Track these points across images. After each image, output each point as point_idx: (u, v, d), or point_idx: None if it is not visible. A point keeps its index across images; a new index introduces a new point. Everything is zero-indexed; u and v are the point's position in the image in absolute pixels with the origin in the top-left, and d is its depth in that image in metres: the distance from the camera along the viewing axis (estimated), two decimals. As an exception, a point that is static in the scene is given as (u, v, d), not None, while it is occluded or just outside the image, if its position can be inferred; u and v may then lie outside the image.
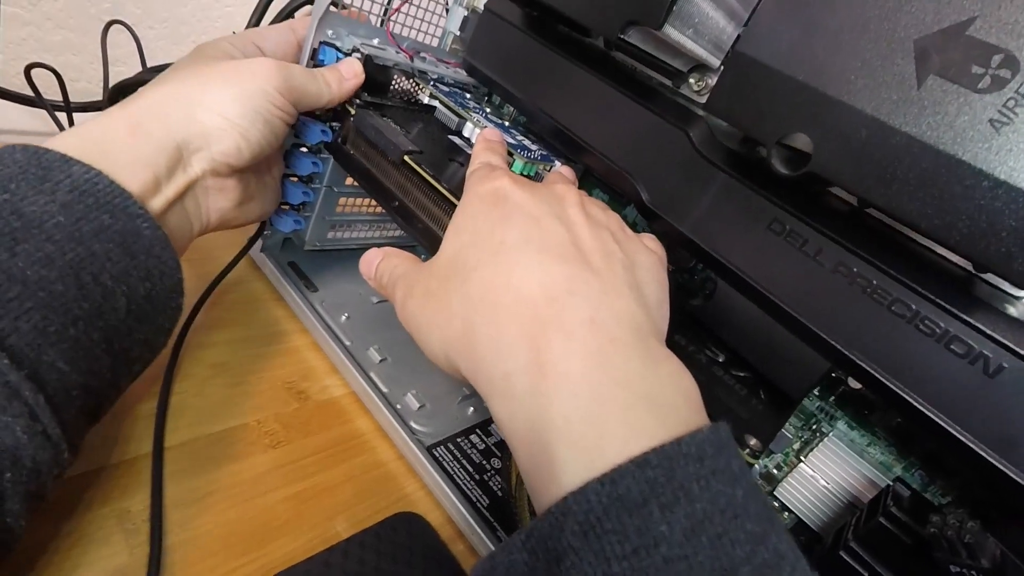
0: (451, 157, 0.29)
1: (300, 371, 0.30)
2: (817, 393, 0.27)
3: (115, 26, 0.37)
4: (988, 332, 0.17)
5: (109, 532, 0.20)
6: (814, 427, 0.27)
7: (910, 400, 0.18)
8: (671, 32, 0.21)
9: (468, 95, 0.35)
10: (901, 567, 0.21)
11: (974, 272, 0.20)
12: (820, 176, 0.18)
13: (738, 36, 0.23)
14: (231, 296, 0.32)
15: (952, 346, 0.17)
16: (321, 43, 0.29)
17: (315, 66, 0.29)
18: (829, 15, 0.17)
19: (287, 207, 0.33)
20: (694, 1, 0.21)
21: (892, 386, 0.19)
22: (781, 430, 0.27)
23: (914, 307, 0.18)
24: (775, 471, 0.28)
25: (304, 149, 0.32)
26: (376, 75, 0.31)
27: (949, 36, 0.16)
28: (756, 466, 0.26)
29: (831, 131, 0.17)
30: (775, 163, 0.19)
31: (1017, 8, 0.15)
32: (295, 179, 0.32)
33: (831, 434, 0.26)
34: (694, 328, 0.25)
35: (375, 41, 0.31)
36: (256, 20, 0.36)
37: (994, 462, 0.17)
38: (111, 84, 0.36)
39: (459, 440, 0.30)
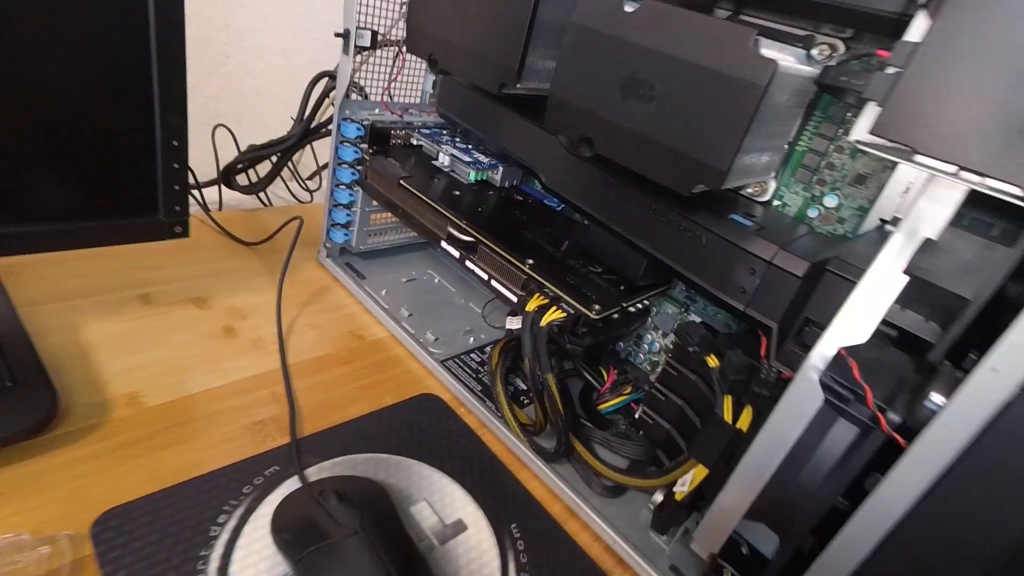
0: (432, 176, 0.46)
1: (358, 324, 0.47)
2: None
3: (219, 128, 0.56)
4: (696, 220, 0.31)
5: (266, 400, 0.37)
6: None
7: (678, 269, 0.32)
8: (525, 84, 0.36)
9: (443, 132, 0.52)
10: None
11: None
12: (602, 155, 0.33)
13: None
14: (311, 287, 0.50)
15: (687, 232, 0.32)
16: (342, 120, 0.47)
17: (341, 138, 0.47)
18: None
19: (338, 226, 0.51)
20: (534, 64, 0.36)
21: (668, 262, 0.33)
22: (665, 313, 0.41)
23: (671, 217, 0.32)
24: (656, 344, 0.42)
25: (342, 186, 0.50)
26: (380, 134, 0.48)
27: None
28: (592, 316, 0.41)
29: (600, 132, 0.32)
30: (584, 151, 0.33)
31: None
32: (340, 206, 0.50)
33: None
34: (581, 256, 0.40)
35: (376, 111, 0.49)
36: (304, 105, 0.55)
37: (714, 291, 0.31)
38: (221, 167, 0.55)
39: (462, 356, 0.46)
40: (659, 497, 0.35)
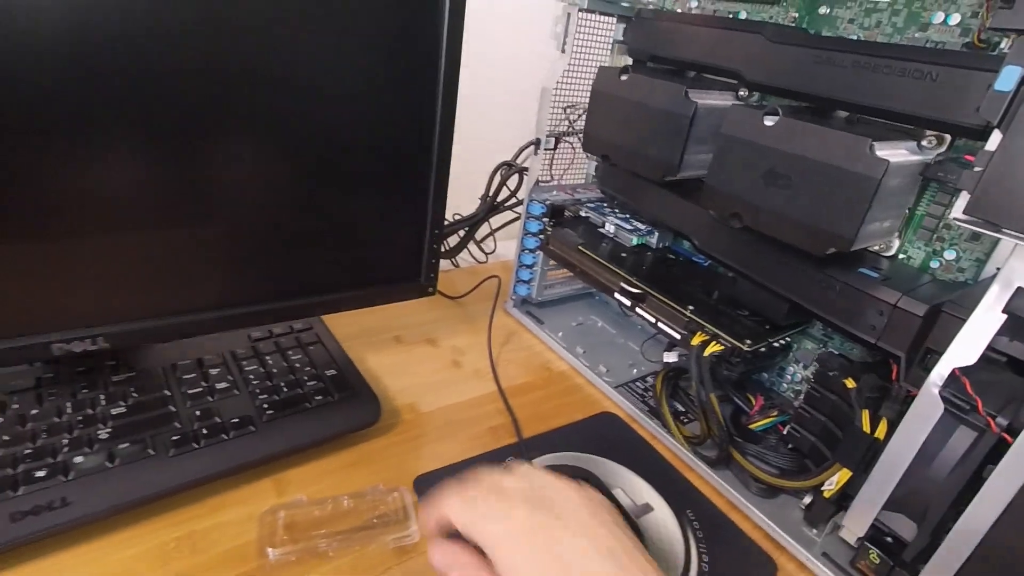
0: (600, 241, 0.59)
1: (545, 359, 0.60)
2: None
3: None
4: (830, 274, 0.40)
5: (493, 413, 0.51)
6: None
7: (817, 313, 0.42)
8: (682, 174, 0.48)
9: (604, 204, 0.65)
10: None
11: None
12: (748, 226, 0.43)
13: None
14: (504, 331, 0.64)
15: (822, 284, 0.41)
16: (530, 201, 0.62)
17: (528, 215, 0.62)
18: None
19: (522, 282, 0.66)
20: (687, 159, 0.48)
21: (807, 307, 0.42)
22: (804, 348, 0.50)
23: (809, 272, 0.42)
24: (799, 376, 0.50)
25: (527, 251, 0.64)
26: (558, 210, 0.62)
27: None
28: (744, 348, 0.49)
29: (747, 209, 0.43)
30: (735, 223, 0.44)
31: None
32: (524, 267, 0.65)
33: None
34: (730, 303, 0.50)
35: (554, 193, 0.63)
36: (488, 188, 0.71)
37: (848, 329, 0.40)
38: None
39: (628, 384, 0.57)
40: (808, 498, 0.43)
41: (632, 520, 0.39)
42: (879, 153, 0.35)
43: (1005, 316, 0.31)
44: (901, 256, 0.44)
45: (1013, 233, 0.30)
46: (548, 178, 0.65)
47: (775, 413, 0.50)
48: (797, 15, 0.48)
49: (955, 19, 0.39)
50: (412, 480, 0.42)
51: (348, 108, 0.43)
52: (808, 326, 0.50)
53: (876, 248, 0.44)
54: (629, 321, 0.68)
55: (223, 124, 0.38)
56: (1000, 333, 0.32)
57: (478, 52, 0.88)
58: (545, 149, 0.60)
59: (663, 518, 0.42)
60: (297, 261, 0.46)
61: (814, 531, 0.42)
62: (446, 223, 0.76)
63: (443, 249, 0.77)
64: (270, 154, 0.41)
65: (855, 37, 0.45)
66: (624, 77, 0.51)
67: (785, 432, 0.47)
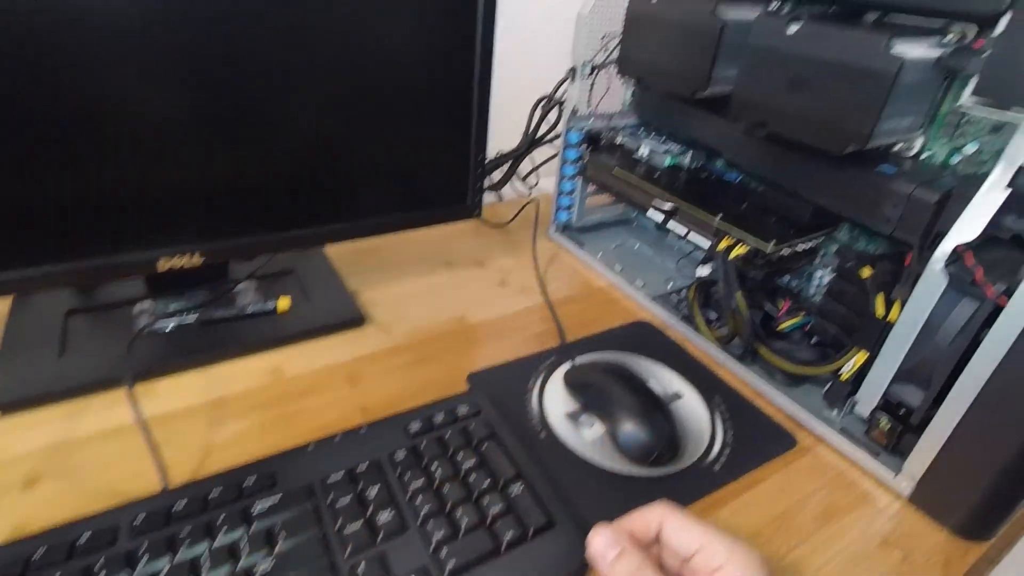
0: (635, 164, 0.62)
1: (586, 277, 0.65)
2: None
3: (471, 147, 0.78)
4: (850, 173, 0.43)
5: (538, 322, 0.56)
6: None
7: (836, 210, 0.44)
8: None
9: (641, 129, 0.68)
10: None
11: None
12: (774, 133, 0.46)
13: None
14: (548, 253, 0.69)
15: (842, 182, 0.43)
16: (568, 130, 0.65)
17: (566, 143, 0.65)
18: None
19: (563, 208, 0.70)
20: (716, 74, 0.50)
21: (828, 205, 0.45)
22: (831, 254, 0.53)
23: (830, 172, 0.44)
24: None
25: (566, 178, 0.68)
26: (595, 137, 0.66)
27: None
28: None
29: (773, 115, 0.45)
30: (760, 132, 0.47)
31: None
32: (564, 194, 0.69)
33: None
34: (758, 211, 0.53)
35: (591, 120, 0.66)
36: (529, 123, 0.74)
37: (864, 222, 0.42)
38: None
39: (664, 296, 0.61)
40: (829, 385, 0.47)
41: (663, 403, 0.44)
42: (896, 50, 0.37)
43: (1009, 191, 0.33)
44: (926, 154, 0.46)
45: (1018, 111, 0.32)
46: (586, 107, 0.68)
47: (802, 314, 0.54)
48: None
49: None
50: (466, 376, 0.48)
51: (398, 48, 0.48)
52: (834, 230, 0.53)
53: (899, 147, 0.46)
54: (665, 243, 0.72)
55: (289, 64, 0.44)
56: (1007, 212, 0.34)
57: None
58: (582, 78, 0.63)
59: (692, 403, 0.47)
60: (358, 185, 0.52)
61: (834, 412, 0.47)
62: (489, 159, 0.81)
63: (488, 183, 0.82)
64: (329, 92, 0.47)
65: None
66: (655, -1, 0.53)
67: (808, 328, 0.50)
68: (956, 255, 0.35)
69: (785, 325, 0.54)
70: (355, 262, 0.63)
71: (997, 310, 0.34)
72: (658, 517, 0.30)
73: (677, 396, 0.48)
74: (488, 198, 0.87)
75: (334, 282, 0.59)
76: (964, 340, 0.36)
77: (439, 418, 0.39)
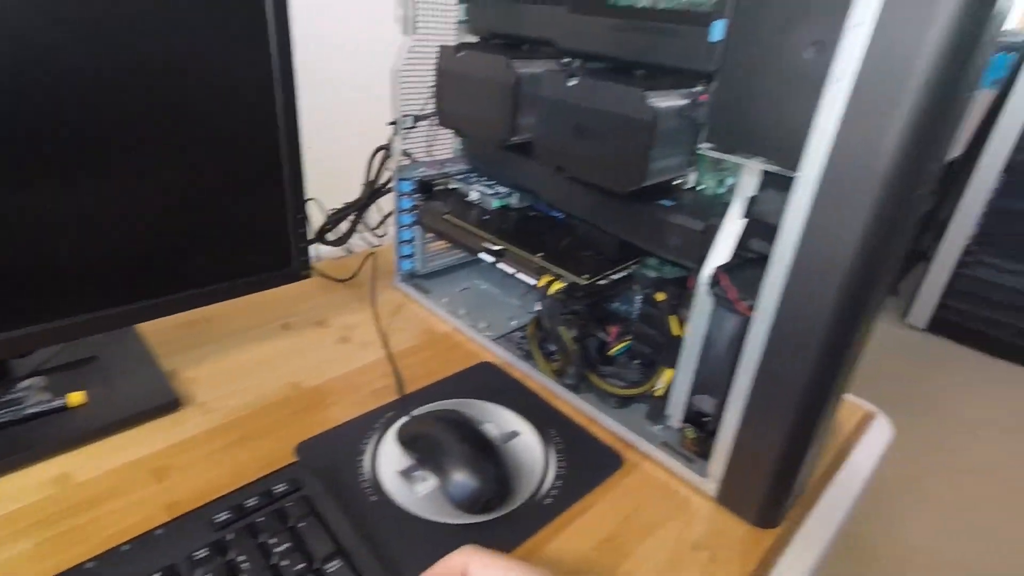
0: (467, 208, 0.64)
1: (430, 324, 0.65)
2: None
3: (309, 202, 0.77)
4: (635, 208, 0.47)
5: (379, 376, 0.55)
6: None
7: (633, 241, 0.48)
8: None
9: (472, 175, 0.70)
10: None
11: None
12: (571, 175, 0.49)
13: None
14: (393, 304, 0.69)
15: (632, 216, 0.48)
16: (399, 180, 0.66)
17: (399, 193, 0.66)
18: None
19: (405, 257, 0.70)
20: (519, 123, 0.54)
21: (626, 238, 0.49)
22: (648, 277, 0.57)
23: (622, 208, 0.48)
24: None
25: (404, 227, 0.69)
26: (427, 185, 0.67)
27: (583, 120, 0.47)
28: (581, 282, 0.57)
29: (567, 160, 0.49)
30: (561, 174, 0.50)
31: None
32: (405, 242, 0.69)
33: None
34: (577, 247, 0.56)
35: (422, 168, 0.68)
36: (368, 173, 0.74)
37: (655, 252, 0.47)
38: (315, 230, 0.75)
39: (507, 335, 0.63)
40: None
41: (495, 446, 0.45)
42: (650, 102, 0.42)
43: (746, 220, 0.38)
44: (700, 187, 0.52)
45: (736, 156, 0.37)
46: (425, 155, 0.70)
47: (629, 338, 0.58)
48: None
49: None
50: (294, 447, 0.46)
51: (198, 106, 0.46)
52: (640, 260, 0.58)
53: (678, 182, 0.52)
54: (511, 281, 0.74)
55: (74, 121, 0.40)
56: (752, 236, 0.40)
57: (339, 43, 0.90)
58: (404, 128, 0.64)
59: (528, 440, 0.49)
60: (165, 258, 0.49)
61: (656, 428, 0.50)
62: (333, 210, 0.79)
63: (334, 236, 0.81)
64: (125, 154, 0.44)
65: (642, 4, 0.51)
66: (460, 54, 0.56)
67: (632, 350, 0.54)
68: (715, 277, 0.39)
69: (615, 349, 0.57)
70: (178, 337, 0.59)
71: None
72: (462, 561, 0.31)
73: (514, 435, 0.49)
74: (336, 252, 0.86)
75: (146, 364, 0.54)
76: (733, 350, 0.40)
77: (251, 502, 0.37)
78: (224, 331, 0.61)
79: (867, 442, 0.53)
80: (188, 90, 0.45)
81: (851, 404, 0.58)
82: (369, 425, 0.49)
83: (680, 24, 0.41)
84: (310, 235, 0.79)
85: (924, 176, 0.32)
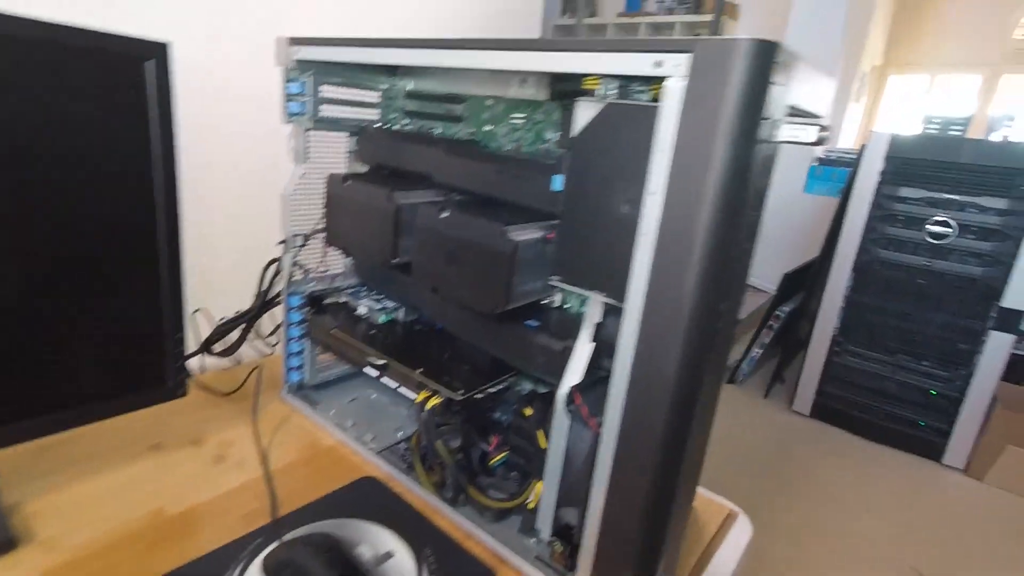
0: (356, 322, 0.66)
1: (315, 438, 0.64)
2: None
3: (197, 312, 0.75)
4: (506, 328, 0.51)
5: (251, 499, 0.53)
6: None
7: (502, 358, 0.52)
8: (402, 258, 0.58)
9: (363, 288, 0.73)
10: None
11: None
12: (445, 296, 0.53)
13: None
14: (279, 417, 0.67)
15: (503, 336, 0.52)
16: (289, 294, 0.67)
17: (288, 306, 0.67)
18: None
19: (293, 368, 0.70)
20: (401, 245, 0.58)
21: (497, 354, 0.52)
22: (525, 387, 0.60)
23: (492, 327, 0.52)
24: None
25: (293, 339, 0.69)
26: (317, 299, 0.69)
27: (456, 248, 0.52)
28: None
29: (441, 282, 0.53)
30: (437, 294, 0.54)
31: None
32: (293, 355, 0.69)
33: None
34: (458, 360, 0.59)
35: (311, 284, 0.69)
36: (260, 284, 0.75)
37: (524, 368, 0.50)
38: (202, 339, 0.74)
39: (393, 447, 0.63)
40: (527, 514, 0.52)
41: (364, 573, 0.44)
42: (510, 235, 0.47)
43: (593, 344, 0.43)
44: (566, 306, 0.57)
45: (579, 288, 0.42)
46: (314, 270, 0.71)
47: (507, 449, 0.60)
48: (474, 130, 0.62)
49: (558, 137, 0.54)
50: (152, 579, 0.43)
51: (62, 212, 0.46)
52: (517, 373, 0.61)
53: (545, 301, 0.57)
54: (400, 391, 0.75)
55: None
56: (603, 356, 0.44)
57: (236, 160, 0.93)
58: (293, 247, 0.66)
59: (403, 561, 0.48)
60: (14, 374, 0.46)
61: (531, 541, 0.51)
62: (222, 320, 0.78)
63: (222, 347, 0.79)
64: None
65: (508, 147, 0.59)
66: (347, 183, 0.60)
67: (509, 462, 0.56)
68: (571, 395, 0.43)
69: (495, 460, 0.59)
70: (28, 463, 0.54)
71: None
72: None
73: (388, 556, 0.48)
74: (223, 363, 0.83)
75: (-15, 498, 0.49)
76: (589, 464, 0.43)
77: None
78: (84, 453, 0.57)
79: (730, 541, 0.57)
80: (64, 199, 0.46)
81: (715, 504, 0.63)
82: (235, 555, 0.46)
83: (531, 171, 0.47)
84: (194, 346, 0.77)
85: (723, 303, 0.38)
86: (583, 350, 0.43)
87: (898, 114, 3.46)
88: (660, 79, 0.35)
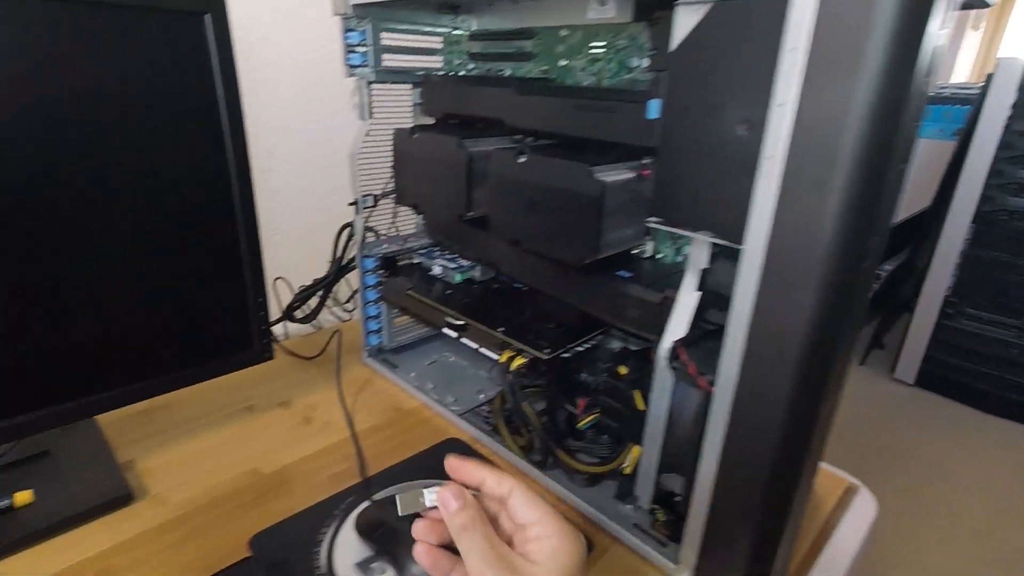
0: (431, 282, 0.63)
1: (397, 401, 0.63)
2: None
3: (278, 280, 0.76)
4: (596, 279, 0.47)
5: (339, 459, 0.53)
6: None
7: (593, 313, 0.48)
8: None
9: (435, 249, 0.70)
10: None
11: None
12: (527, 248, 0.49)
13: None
14: (360, 381, 0.67)
15: (593, 288, 0.47)
16: (362, 257, 0.66)
17: (363, 269, 0.66)
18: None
19: (372, 332, 0.69)
20: (475, 198, 0.54)
21: (586, 309, 0.48)
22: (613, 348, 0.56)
23: (581, 279, 0.48)
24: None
25: (370, 303, 0.68)
26: (390, 261, 0.67)
27: (537, 195, 0.47)
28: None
29: (522, 232, 0.49)
30: (517, 247, 0.50)
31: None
32: (371, 318, 0.68)
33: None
34: (541, 319, 0.56)
35: (385, 245, 0.68)
36: (335, 250, 0.74)
37: (615, 324, 0.46)
38: (283, 308, 0.74)
39: (475, 410, 0.61)
40: (622, 479, 0.49)
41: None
42: (597, 176, 0.42)
43: (699, 293, 0.38)
44: (659, 255, 0.52)
45: (682, 229, 0.37)
46: (392, 230, 0.70)
47: (597, 411, 0.56)
48: (547, 67, 0.57)
49: (647, 62, 0.48)
50: (248, 541, 0.43)
51: (154, 195, 0.46)
52: (603, 332, 0.57)
53: (636, 251, 0.52)
54: (480, 352, 0.73)
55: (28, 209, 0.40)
56: (710, 307, 0.39)
57: (302, 127, 0.92)
58: (365, 208, 0.65)
59: (494, 524, 0.46)
60: (121, 346, 0.47)
61: (627, 507, 0.48)
62: (302, 288, 0.79)
63: (303, 314, 0.79)
64: (78, 241, 0.43)
65: (587, 82, 0.53)
66: (414, 136, 0.57)
67: (599, 424, 0.52)
68: (674, 351, 0.39)
69: (583, 423, 0.55)
70: (137, 425, 0.56)
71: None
72: (509, 485, 0.34)
73: (479, 521, 0.46)
74: (305, 329, 0.84)
75: (102, 457, 0.51)
76: (698, 427, 0.39)
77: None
78: (186, 415, 0.59)
79: (851, 518, 0.51)
80: (144, 178, 0.45)
81: (833, 477, 0.56)
82: (327, 512, 0.46)
83: (620, 102, 0.42)
84: (278, 313, 0.78)
85: (867, 245, 0.32)
86: (687, 300, 0.38)
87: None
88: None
